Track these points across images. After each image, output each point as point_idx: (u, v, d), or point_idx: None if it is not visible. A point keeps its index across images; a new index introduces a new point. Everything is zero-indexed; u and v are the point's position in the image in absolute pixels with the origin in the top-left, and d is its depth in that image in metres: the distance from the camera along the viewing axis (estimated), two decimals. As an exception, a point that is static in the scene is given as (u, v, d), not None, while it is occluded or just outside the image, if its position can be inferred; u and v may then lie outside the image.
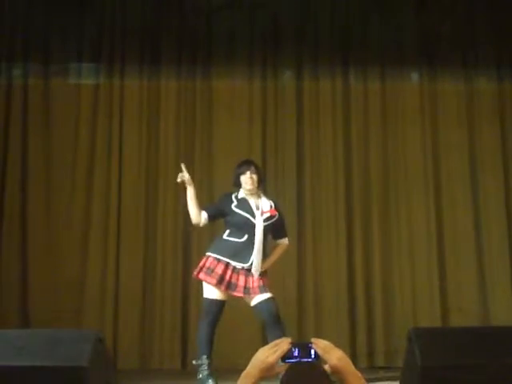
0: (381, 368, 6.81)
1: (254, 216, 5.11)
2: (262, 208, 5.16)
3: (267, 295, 5.02)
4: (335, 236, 7.17)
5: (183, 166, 5.23)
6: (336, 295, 7.06)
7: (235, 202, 5.16)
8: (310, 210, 7.18)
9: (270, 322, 5.02)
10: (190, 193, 5.15)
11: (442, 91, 7.53)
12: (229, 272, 5.04)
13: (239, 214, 5.12)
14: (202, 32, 7.48)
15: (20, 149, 7.16)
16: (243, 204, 5.16)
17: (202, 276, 5.09)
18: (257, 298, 5.03)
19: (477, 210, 7.34)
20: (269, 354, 1.79)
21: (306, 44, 7.51)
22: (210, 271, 5.05)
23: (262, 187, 5.50)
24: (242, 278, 5.03)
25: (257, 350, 1.83)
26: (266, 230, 5.11)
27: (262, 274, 5.10)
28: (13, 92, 7.28)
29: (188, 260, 7.08)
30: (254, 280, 5.03)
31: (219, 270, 5.04)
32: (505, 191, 7.36)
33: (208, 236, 6.99)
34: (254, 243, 5.06)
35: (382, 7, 7.51)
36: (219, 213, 5.21)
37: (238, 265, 5.05)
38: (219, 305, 5.12)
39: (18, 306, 6.90)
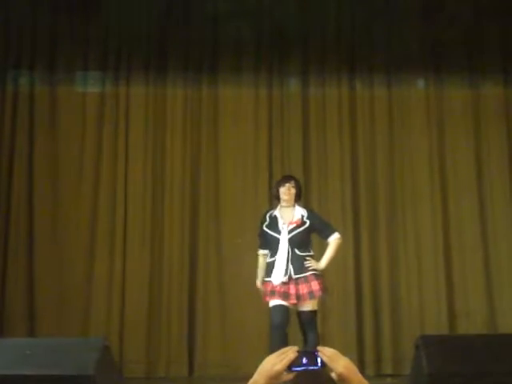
0: (388, 375, 6.79)
1: (279, 232, 5.24)
2: (291, 219, 5.28)
3: (308, 306, 5.15)
4: (342, 243, 7.14)
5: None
6: (343, 303, 7.04)
7: (267, 221, 5.35)
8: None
9: (303, 331, 5.22)
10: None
11: (448, 97, 7.52)
12: (279, 286, 5.15)
13: (268, 233, 5.30)
14: (209, 40, 7.49)
15: (26, 156, 7.18)
16: (272, 222, 5.32)
17: (267, 298, 5.24)
18: (304, 305, 5.15)
19: (484, 215, 7.32)
20: (275, 362, 1.78)
21: (311, 51, 7.51)
22: (269, 292, 5.20)
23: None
24: (291, 287, 5.13)
25: (263, 358, 1.83)
26: (293, 239, 5.21)
27: (317, 277, 5.18)
28: (19, 100, 7.30)
29: (194, 267, 7.08)
30: (304, 286, 5.13)
31: (269, 288, 5.20)
32: (511, 195, 7.33)
33: (213, 244, 7.05)
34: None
35: (388, 14, 7.50)
36: (264, 238, 5.40)
37: (282, 279, 5.15)
38: (281, 311, 5.14)
39: (25, 311, 6.90)
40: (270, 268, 5.24)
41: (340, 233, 5.40)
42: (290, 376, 1.79)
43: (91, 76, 7.49)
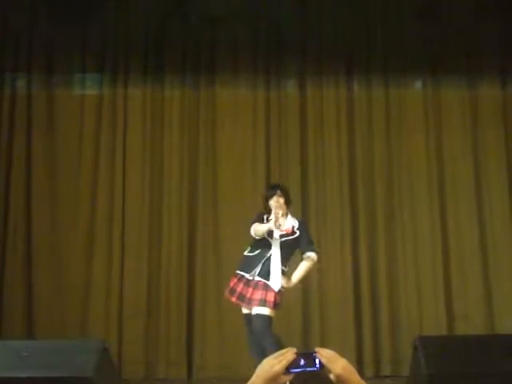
0: (387, 376, 6.80)
1: (271, 236, 5.20)
2: (282, 227, 5.24)
3: (258, 310, 5.05)
4: (340, 245, 7.16)
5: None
6: (342, 304, 7.04)
7: (264, 222, 5.29)
8: (314, 219, 7.15)
9: (254, 337, 5.13)
10: (271, 228, 5.15)
11: (446, 98, 7.53)
12: (241, 284, 5.16)
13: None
14: (206, 41, 7.49)
15: (24, 158, 7.17)
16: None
17: (227, 294, 5.26)
18: (253, 310, 5.09)
19: (482, 216, 7.32)
20: (274, 363, 1.78)
21: (309, 52, 7.51)
22: (230, 289, 5.23)
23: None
24: (249, 290, 5.12)
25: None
26: (283, 247, 5.19)
27: (276, 291, 5.10)
28: (17, 102, 7.29)
29: (193, 269, 7.08)
30: (259, 292, 5.08)
31: (232, 283, 5.22)
32: (509, 197, 7.34)
33: (212, 244, 7.06)
34: (264, 257, 5.17)
35: (386, 15, 7.51)
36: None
37: (244, 275, 5.17)
38: (246, 318, 5.21)
39: (23, 313, 6.89)
40: (244, 262, 5.24)
41: (318, 255, 5.30)
42: (288, 377, 1.79)
43: (89, 78, 7.48)
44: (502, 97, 7.55)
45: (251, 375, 1.79)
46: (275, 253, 5.16)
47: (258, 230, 5.20)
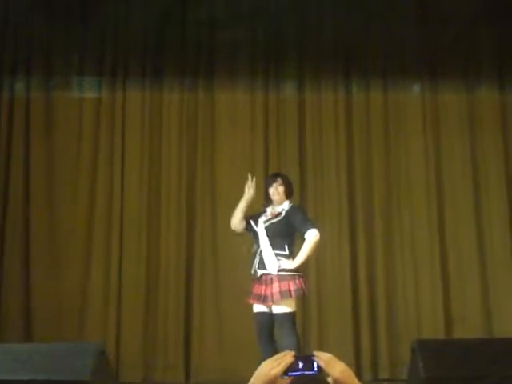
0: (385, 380, 6.79)
1: (257, 224, 5.19)
2: (270, 212, 5.23)
3: (275, 310, 4.97)
4: (338, 248, 7.16)
5: (252, 181, 5.25)
6: (340, 307, 7.04)
7: (256, 214, 5.28)
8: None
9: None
10: (246, 199, 5.22)
11: (444, 102, 7.54)
12: (254, 285, 5.10)
13: (251, 225, 5.24)
14: (205, 44, 7.50)
15: (23, 162, 7.17)
16: (257, 215, 5.26)
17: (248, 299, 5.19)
18: (273, 310, 5.01)
19: (479, 219, 7.32)
20: (272, 366, 1.78)
21: (307, 55, 7.53)
22: (250, 292, 5.15)
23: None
24: (262, 288, 5.03)
25: (259, 363, 1.82)
26: (269, 231, 5.12)
27: (281, 278, 4.98)
28: (15, 105, 7.29)
29: (191, 272, 7.08)
30: (269, 288, 4.99)
31: (251, 287, 5.14)
32: (507, 200, 7.35)
33: (210, 247, 7.06)
34: (258, 248, 5.13)
35: (384, 19, 7.51)
36: (248, 221, 5.31)
37: (251, 274, 5.12)
38: (258, 317, 5.12)
39: (21, 316, 6.90)
40: (251, 260, 5.17)
41: (319, 230, 5.05)
42: (286, 381, 1.79)
43: (87, 81, 7.49)
44: (499, 100, 7.56)
45: (249, 378, 1.79)
46: (263, 238, 5.09)
47: (233, 218, 5.22)
